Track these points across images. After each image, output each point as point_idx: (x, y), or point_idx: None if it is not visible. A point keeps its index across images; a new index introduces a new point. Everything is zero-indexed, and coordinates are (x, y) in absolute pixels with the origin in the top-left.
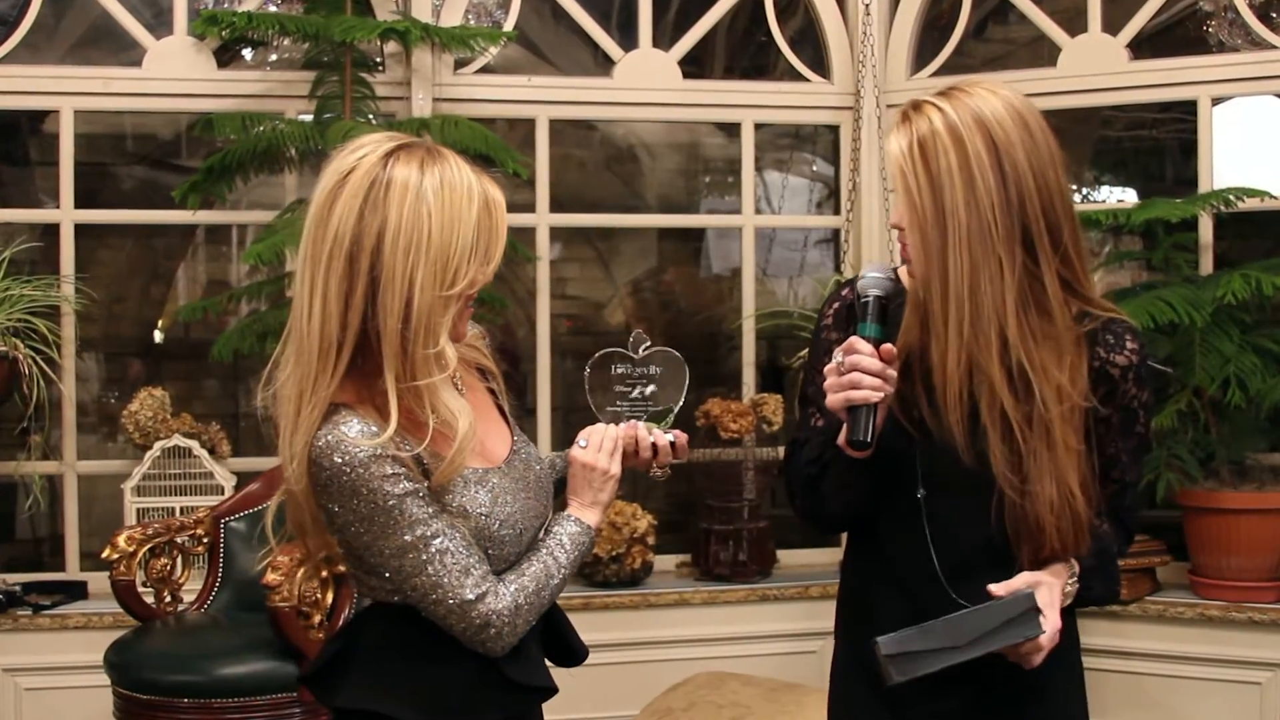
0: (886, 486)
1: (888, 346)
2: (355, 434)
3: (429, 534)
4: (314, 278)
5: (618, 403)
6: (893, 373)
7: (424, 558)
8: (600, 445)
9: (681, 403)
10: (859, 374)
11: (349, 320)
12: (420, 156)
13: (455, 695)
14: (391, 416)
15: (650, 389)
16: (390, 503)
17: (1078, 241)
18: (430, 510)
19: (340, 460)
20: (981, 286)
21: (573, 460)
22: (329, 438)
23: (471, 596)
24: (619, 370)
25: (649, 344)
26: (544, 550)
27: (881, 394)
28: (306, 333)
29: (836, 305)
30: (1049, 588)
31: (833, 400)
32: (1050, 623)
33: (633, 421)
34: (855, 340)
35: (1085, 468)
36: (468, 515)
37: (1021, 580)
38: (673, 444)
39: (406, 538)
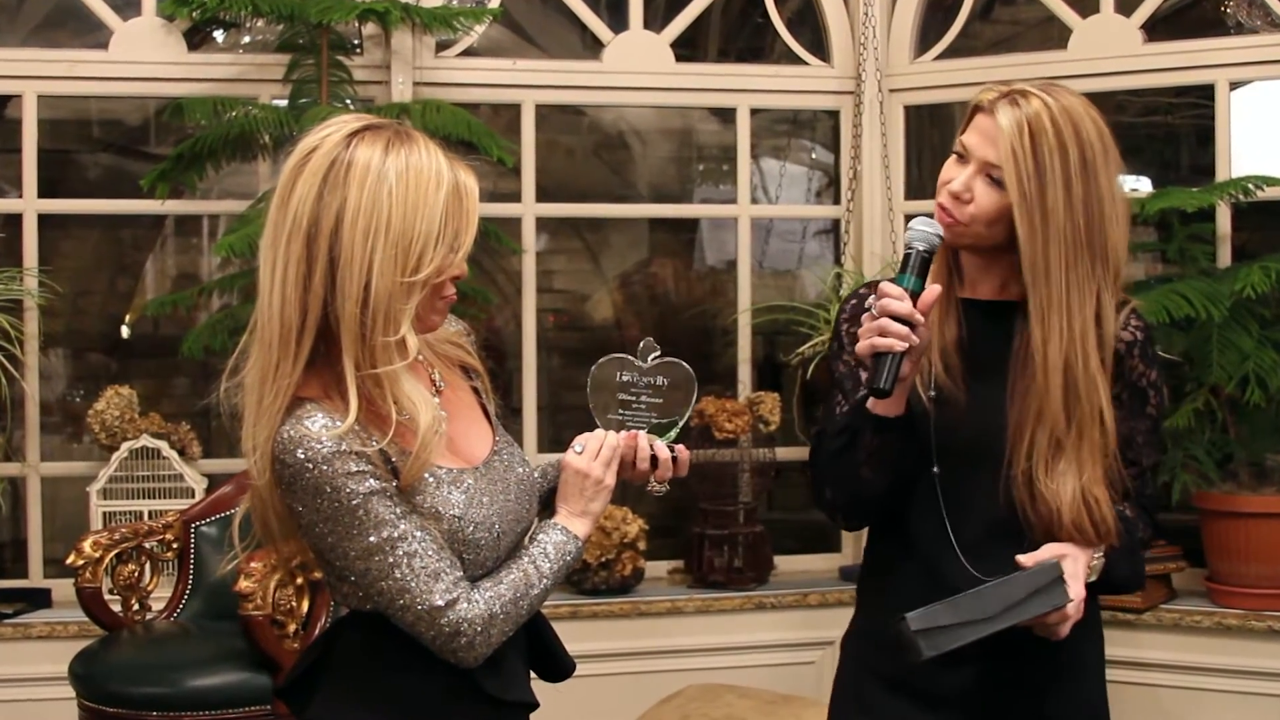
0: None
1: (928, 293)
2: (318, 429)
3: (395, 536)
4: (274, 260)
5: (620, 411)
6: (920, 318)
7: (390, 561)
8: (597, 452)
9: (687, 418)
10: (887, 320)
11: (309, 304)
12: (386, 138)
13: (427, 708)
14: (351, 405)
15: (656, 401)
16: (354, 502)
17: (1121, 260)
18: (398, 511)
19: (303, 456)
20: (1075, 288)
21: (566, 466)
22: (291, 432)
23: (440, 603)
24: (624, 378)
25: (659, 354)
26: (525, 558)
27: (906, 344)
28: (267, 318)
29: (854, 301)
30: (1074, 559)
31: (861, 346)
32: (1074, 591)
33: (634, 431)
34: (886, 285)
35: (1113, 468)
36: (440, 517)
37: (1047, 551)
38: (674, 459)
39: (372, 539)
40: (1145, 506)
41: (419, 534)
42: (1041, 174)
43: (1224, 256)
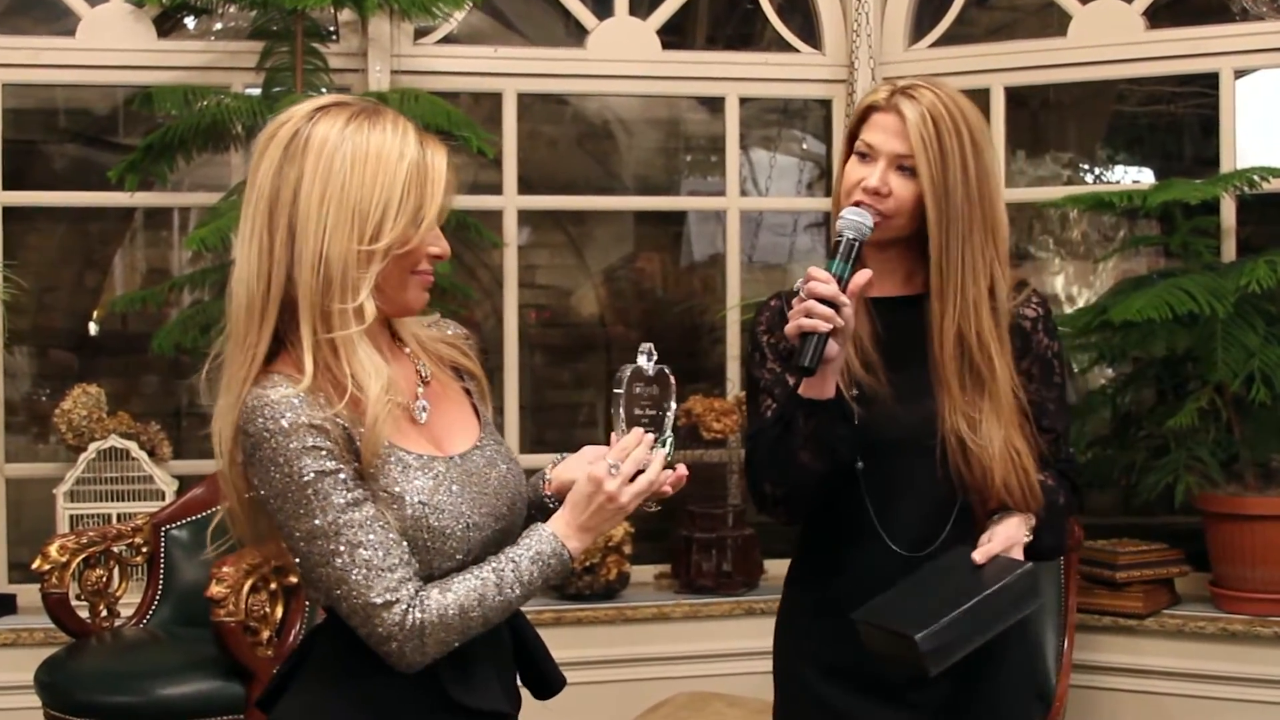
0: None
1: (858, 276)
2: (279, 397)
3: (342, 522)
4: (243, 232)
5: (639, 425)
6: (845, 300)
7: (332, 547)
8: (631, 477)
9: (671, 431)
10: (812, 302)
11: (272, 273)
12: (350, 112)
13: (390, 711)
14: (305, 368)
15: (653, 412)
16: (306, 478)
17: (1007, 233)
18: (350, 497)
19: (262, 423)
20: (969, 261)
21: (594, 480)
22: (254, 401)
23: (377, 601)
24: (636, 390)
25: (656, 358)
26: (490, 565)
27: (830, 325)
28: (238, 289)
29: (768, 314)
30: (1019, 547)
31: (789, 327)
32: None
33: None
34: (813, 269)
35: (1026, 427)
36: (404, 502)
37: (999, 544)
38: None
39: (317, 522)
40: (1065, 472)
41: (369, 524)
42: (945, 157)
43: (1228, 250)
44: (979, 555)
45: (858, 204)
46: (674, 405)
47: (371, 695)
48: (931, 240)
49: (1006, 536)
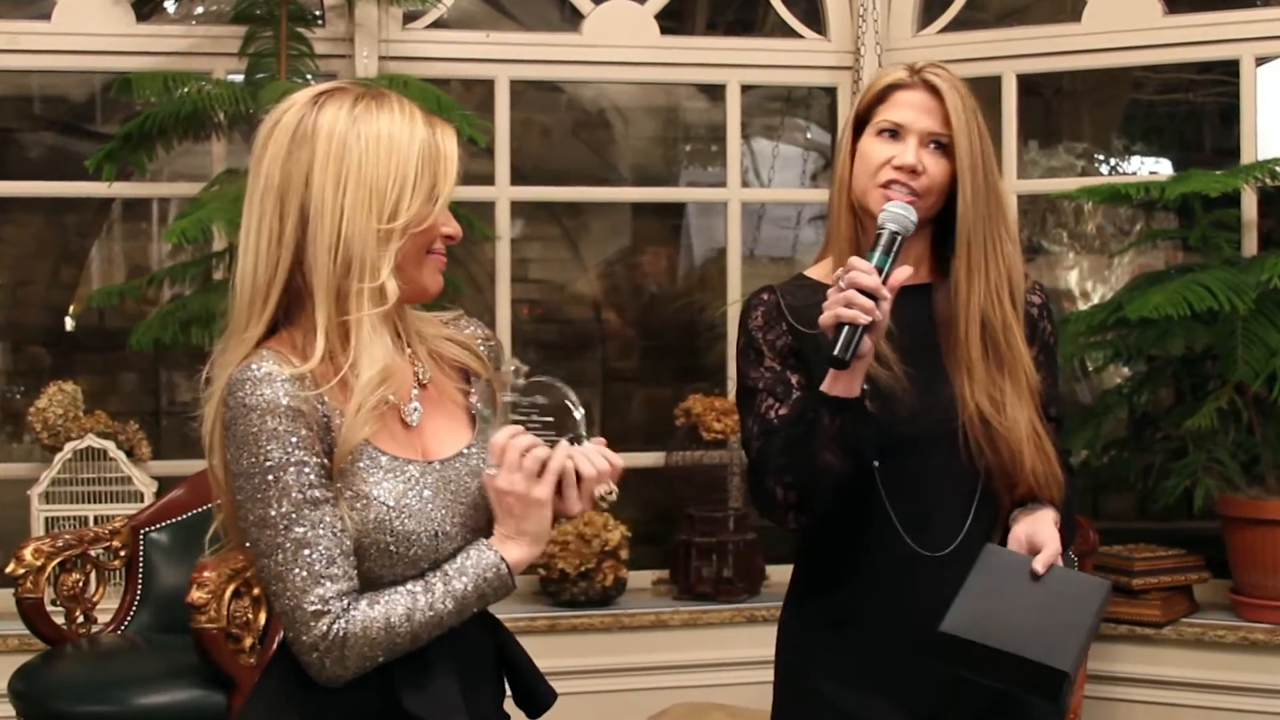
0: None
1: (900, 271)
2: (263, 373)
3: (295, 518)
4: (248, 225)
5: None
6: (886, 294)
7: (278, 540)
8: (517, 464)
9: (584, 426)
10: (853, 292)
11: (279, 259)
12: (354, 95)
13: (341, 717)
14: (317, 351)
15: (549, 420)
16: (268, 463)
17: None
18: (311, 494)
19: (241, 396)
20: (993, 242)
21: (485, 486)
22: (239, 374)
23: (309, 608)
24: (506, 400)
25: (527, 371)
26: (422, 579)
27: (871, 318)
28: (240, 283)
29: (762, 309)
30: (1052, 539)
31: (825, 317)
32: (1056, 541)
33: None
34: (855, 260)
35: (1040, 412)
36: (369, 503)
37: (1052, 552)
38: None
39: (270, 511)
40: (1066, 464)
41: (320, 526)
42: (977, 136)
43: (1249, 244)
44: (1040, 565)
45: (888, 183)
46: (580, 413)
47: (327, 704)
48: (961, 219)
49: (1054, 543)
